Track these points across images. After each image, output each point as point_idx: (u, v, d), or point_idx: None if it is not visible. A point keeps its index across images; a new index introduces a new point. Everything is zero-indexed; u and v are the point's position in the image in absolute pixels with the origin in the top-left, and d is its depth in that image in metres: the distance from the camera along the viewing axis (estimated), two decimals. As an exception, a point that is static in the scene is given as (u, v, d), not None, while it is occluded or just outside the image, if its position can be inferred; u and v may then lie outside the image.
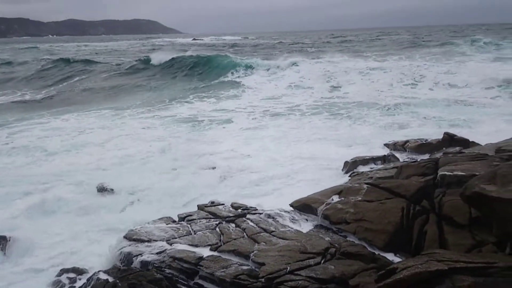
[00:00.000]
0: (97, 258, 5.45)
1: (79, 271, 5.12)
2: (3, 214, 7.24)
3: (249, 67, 25.42)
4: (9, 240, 5.97)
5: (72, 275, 5.15)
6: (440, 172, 5.53)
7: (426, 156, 8.19)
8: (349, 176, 7.72)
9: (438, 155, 7.99)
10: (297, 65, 25.15)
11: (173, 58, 29.79)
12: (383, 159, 8.38)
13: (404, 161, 7.75)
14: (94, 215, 7.46)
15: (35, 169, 9.98)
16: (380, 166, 7.85)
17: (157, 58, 30.67)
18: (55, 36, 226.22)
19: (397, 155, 9.00)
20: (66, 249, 6.08)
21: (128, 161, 10.34)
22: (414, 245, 4.76)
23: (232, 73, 24.77)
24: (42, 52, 55.06)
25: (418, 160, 6.97)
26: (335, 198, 5.65)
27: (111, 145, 11.91)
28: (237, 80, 23.32)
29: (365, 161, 8.31)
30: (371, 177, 6.91)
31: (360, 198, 5.53)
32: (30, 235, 6.33)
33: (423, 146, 9.26)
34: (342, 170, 8.36)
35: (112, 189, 8.28)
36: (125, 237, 5.56)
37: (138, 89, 23.18)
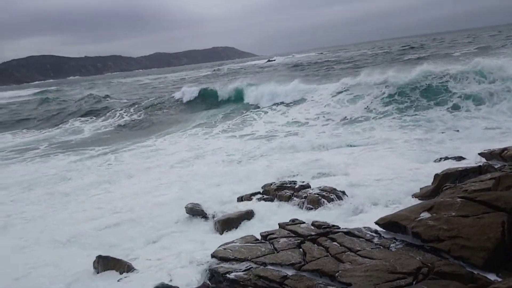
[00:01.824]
0: (186, 275, 5.73)
1: (172, 288, 5.40)
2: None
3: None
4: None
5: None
6: (547, 182, 4.93)
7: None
8: (440, 190, 7.20)
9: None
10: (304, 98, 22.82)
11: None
12: (479, 170, 7.69)
13: (502, 171, 7.03)
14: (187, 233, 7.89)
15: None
16: (475, 178, 7.21)
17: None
18: (141, 70, 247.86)
19: (494, 164, 8.22)
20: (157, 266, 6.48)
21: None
22: (520, 263, 4.26)
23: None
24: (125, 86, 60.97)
25: (520, 169, 6.29)
26: (426, 214, 5.29)
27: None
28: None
29: (457, 173, 7.69)
30: (466, 190, 6.37)
31: (454, 214, 5.11)
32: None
33: (525, 154, 8.35)
34: (432, 184, 7.82)
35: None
36: (212, 255, 5.77)
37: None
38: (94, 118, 30.51)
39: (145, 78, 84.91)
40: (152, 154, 16.77)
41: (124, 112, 30.08)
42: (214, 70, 76.92)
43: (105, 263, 6.40)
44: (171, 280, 5.76)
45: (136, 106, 31.11)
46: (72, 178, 13.68)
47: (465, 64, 18.95)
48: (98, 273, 6.43)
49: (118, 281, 5.98)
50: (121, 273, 6.24)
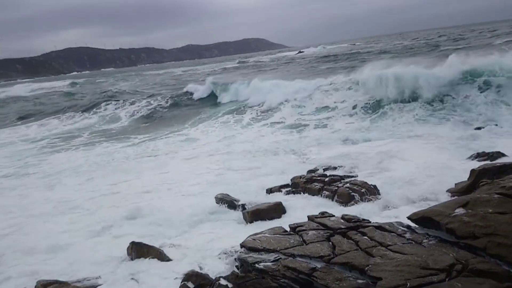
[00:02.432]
0: (216, 263, 5.84)
1: (201, 277, 5.51)
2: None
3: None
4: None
5: (196, 280, 5.55)
6: None
7: None
8: (477, 186, 6.96)
9: None
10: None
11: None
12: (518, 165, 7.37)
13: None
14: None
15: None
16: (514, 174, 6.92)
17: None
18: (172, 62, 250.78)
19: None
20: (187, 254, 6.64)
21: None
22: (562, 264, 4.07)
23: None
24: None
25: None
26: (461, 210, 5.13)
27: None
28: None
29: (495, 168, 7.40)
30: (504, 186, 6.12)
31: (491, 210, 4.94)
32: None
33: None
34: (468, 179, 7.56)
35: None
36: (242, 245, 5.84)
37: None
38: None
39: (178, 70, 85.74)
40: (185, 143, 17.18)
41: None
42: (239, 62, 75.91)
43: (138, 249, 6.60)
44: (201, 268, 5.89)
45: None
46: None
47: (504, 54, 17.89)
48: (132, 259, 6.63)
49: (150, 268, 6.15)
50: (154, 260, 6.41)
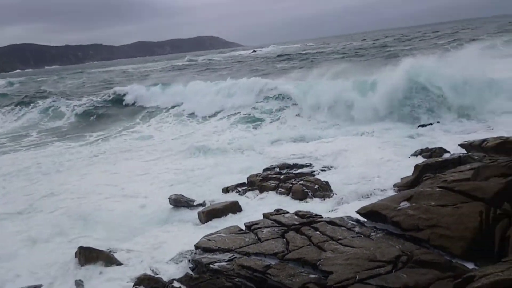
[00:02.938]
0: (169, 266, 5.73)
1: (154, 280, 5.38)
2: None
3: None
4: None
5: (148, 284, 5.42)
6: (524, 172, 5.07)
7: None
8: (420, 180, 7.33)
9: (521, 153, 7.34)
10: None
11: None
12: (458, 160, 7.84)
13: (481, 162, 7.19)
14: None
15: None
16: (455, 169, 7.36)
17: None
18: (123, 59, 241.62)
19: (474, 155, 8.40)
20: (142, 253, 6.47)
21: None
22: (496, 251, 4.38)
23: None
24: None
25: (498, 160, 6.43)
26: (405, 204, 5.39)
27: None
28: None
29: (437, 163, 7.84)
30: (445, 180, 6.49)
31: (433, 203, 5.22)
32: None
33: (503, 145, 8.54)
34: (412, 174, 7.95)
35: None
36: (196, 246, 5.78)
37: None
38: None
39: (127, 67, 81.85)
40: (139, 141, 16.77)
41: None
42: (188, 61, 72.44)
43: (87, 254, 6.34)
44: (154, 272, 5.76)
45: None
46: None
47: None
48: (81, 265, 6.36)
49: (100, 273, 5.93)
50: (104, 265, 6.19)
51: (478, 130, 11.66)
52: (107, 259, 6.25)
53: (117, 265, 6.16)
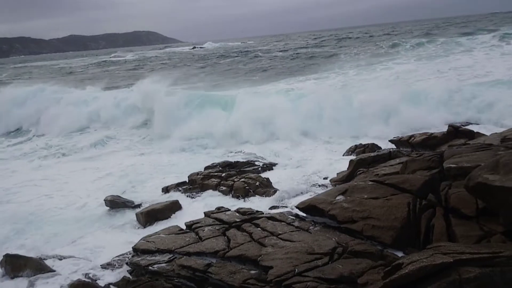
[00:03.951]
0: (106, 270, 5.49)
1: (89, 286, 5.14)
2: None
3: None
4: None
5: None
6: (446, 165, 5.50)
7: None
8: (355, 174, 7.69)
9: (443, 148, 7.96)
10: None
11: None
12: (389, 155, 8.34)
13: (409, 156, 7.71)
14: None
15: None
16: (385, 163, 7.81)
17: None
18: (53, 54, 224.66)
19: (403, 150, 8.98)
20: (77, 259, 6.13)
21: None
22: (422, 239, 4.73)
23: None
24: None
25: (424, 154, 6.93)
26: (341, 197, 5.63)
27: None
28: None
29: (370, 158, 8.26)
30: (377, 174, 6.88)
31: (366, 196, 5.51)
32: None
33: (428, 140, 9.22)
34: (347, 169, 8.32)
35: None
36: (134, 248, 5.60)
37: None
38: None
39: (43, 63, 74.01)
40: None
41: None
42: (105, 60, 65.72)
43: (14, 262, 5.87)
44: (89, 277, 5.48)
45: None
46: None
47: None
48: (7, 274, 5.88)
49: (29, 282, 5.53)
50: (33, 274, 5.78)
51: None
52: (37, 266, 5.83)
53: (48, 271, 5.78)
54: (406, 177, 5.73)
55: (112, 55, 76.86)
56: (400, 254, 4.66)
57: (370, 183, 5.77)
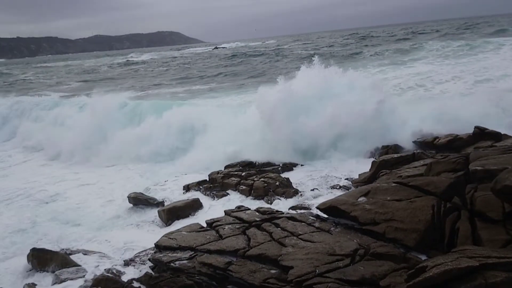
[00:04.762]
0: (129, 266, 5.60)
1: (112, 281, 5.24)
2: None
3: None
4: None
5: (106, 285, 5.27)
6: (471, 167, 5.37)
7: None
8: (377, 176, 7.58)
9: (469, 150, 7.76)
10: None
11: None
12: (412, 157, 8.19)
13: (433, 158, 7.55)
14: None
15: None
16: (409, 164, 7.68)
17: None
18: (79, 53, 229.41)
19: (427, 152, 8.80)
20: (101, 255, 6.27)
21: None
22: (446, 243, 4.62)
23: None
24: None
25: (449, 156, 6.78)
26: (363, 199, 5.56)
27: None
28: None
29: (393, 160, 8.14)
30: (400, 176, 6.77)
31: (389, 198, 5.43)
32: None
33: (453, 142, 9.00)
34: (370, 170, 8.22)
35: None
36: (156, 244, 5.68)
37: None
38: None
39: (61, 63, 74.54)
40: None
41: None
42: (128, 59, 65.71)
43: (40, 257, 6.06)
44: (112, 272, 5.59)
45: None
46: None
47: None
48: (33, 268, 6.07)
49: (55, 275, 5.69)
50: (59, 268, 5.94)
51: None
52: (63, 260, 6.01)
53: (73, 266, 5.93)
54: (430, 179, 5.62)
55: (130, 55, 77.83)
56: (423, 257, 4.57)
57: (393, 184, 5.68)
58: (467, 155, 5.99)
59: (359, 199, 5.49)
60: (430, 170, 6.25)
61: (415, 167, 7.23)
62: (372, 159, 8.67)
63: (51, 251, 6.21)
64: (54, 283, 5.60)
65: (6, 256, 6.79)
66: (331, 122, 10.18)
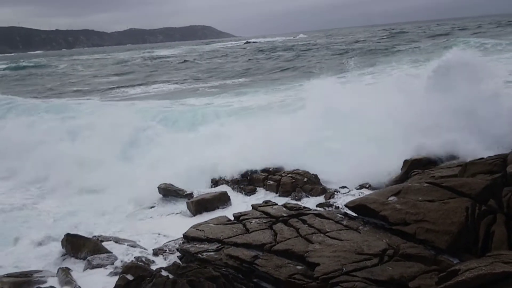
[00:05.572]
0: (159, 254, 5.73)
1: (141, 269, 5.37)
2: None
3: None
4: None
5: (136, 272, 5.41)
6: (509, 170, 5.15)
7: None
8: (409, 175, 7.40)
9: (507, 151, 7.44)
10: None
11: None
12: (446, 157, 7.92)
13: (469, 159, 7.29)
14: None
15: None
16: (442, 164, 7.45)
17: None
18: (114, 46, 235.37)
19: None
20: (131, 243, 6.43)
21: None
22: (480, 247, 4.47)
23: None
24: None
25: (485, 157, 6.52)
26: (393, 198, 5.44)
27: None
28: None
29: (426, 159, 7.91)
30: (433, 176, 6.57)
31: (420, 198, 5.29)
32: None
33: (490, 143, 8.65)
34: (401, 169, 8.02)
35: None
36: (184, 235, 5.78)
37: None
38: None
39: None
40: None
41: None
42: (144, 52, 66.04)
43: (74, 242, 6.29)
44: (141, 260, 5.74)
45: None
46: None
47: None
48: (67, 253, 6.30)
49: (87, 261, 5.89)
50: (91, 253, 6.15)
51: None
52: (95, 247, 6.21)
53: (104, 253, 6.13)
54: (465, 180, 5.43)
55: (153, 51, 78.52)
56: (455, 260, 4.44)
57: (425, 185, 5.53)
58: (505, 157, 5.74)
59: (389, 199, 5.38)
60: (465, 171, 6.03)
61: (449, 167, 7.00)
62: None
63: (84, 237, 6.43)
64: (86, 268, 5.79)
65: (43, 241, 7.06)
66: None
